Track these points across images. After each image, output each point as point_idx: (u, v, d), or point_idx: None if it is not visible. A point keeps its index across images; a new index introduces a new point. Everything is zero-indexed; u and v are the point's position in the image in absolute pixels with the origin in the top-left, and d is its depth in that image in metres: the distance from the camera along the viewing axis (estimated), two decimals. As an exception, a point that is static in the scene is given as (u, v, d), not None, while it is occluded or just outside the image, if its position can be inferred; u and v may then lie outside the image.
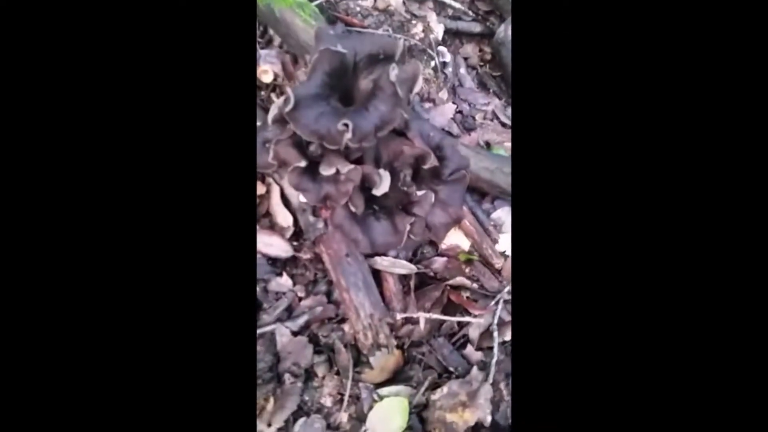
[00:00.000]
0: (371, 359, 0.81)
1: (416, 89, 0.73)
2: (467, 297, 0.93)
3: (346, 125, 0.65)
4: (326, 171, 0.75)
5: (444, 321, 0.88)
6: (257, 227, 0.88)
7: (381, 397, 0.81)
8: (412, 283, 0.90)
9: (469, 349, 0.87)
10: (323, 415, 0.81)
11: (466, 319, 0.89)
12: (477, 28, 1.26)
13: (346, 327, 0.87)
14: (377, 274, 0.90)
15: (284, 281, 0.88)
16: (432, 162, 0.78)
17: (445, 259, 0.95)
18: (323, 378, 0.83)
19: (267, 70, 0.98)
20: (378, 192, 0.78)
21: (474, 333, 0.89)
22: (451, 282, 0.91)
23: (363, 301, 0.83)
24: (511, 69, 1.18)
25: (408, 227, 0.78)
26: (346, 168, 0.74)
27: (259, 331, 0.83)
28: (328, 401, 0.82)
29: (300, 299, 0.89)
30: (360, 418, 0.81)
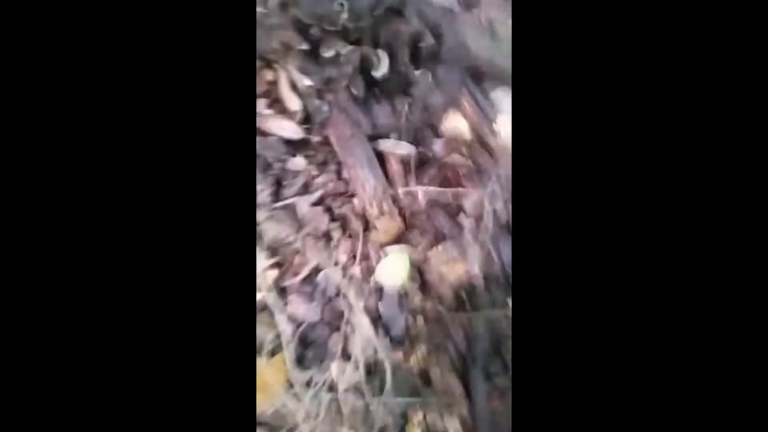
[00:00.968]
0: (377, 223, 0.96)
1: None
2: (463, 174, 1.04)
3: (342, 5, 0.69)
4: (326, 53, 0.80)
5: (440, 192, 1.01)
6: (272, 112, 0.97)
7: (387, 254, 0.98)
8: (412, 162, 1.01)
9: (462, 216, 1.01)
10: (340, 268, 0.99)
11: (460, 190, 1.01)
12: None
13: (355, 201, 1.01)
14: (381, 157, 1.01)
15: (299, 161, 1.00)
16: (428, 40, 0.82)
17: (443, 139, 1.04)
18: (338, 240, 1.00)
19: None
20: (377, 73, 0.84)
21: (467, 203, 1.02)
22: (447, 160, 1.02)
23: (368, 176, 0.95)
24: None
25: (406, 108, 0.85)
26: (345, 49, 0.80)
27: (281, 203, 0.98)
28: (343, 258, 1.00)
29: (314, 177, 1.02)
30: (370, 271, 0.99)
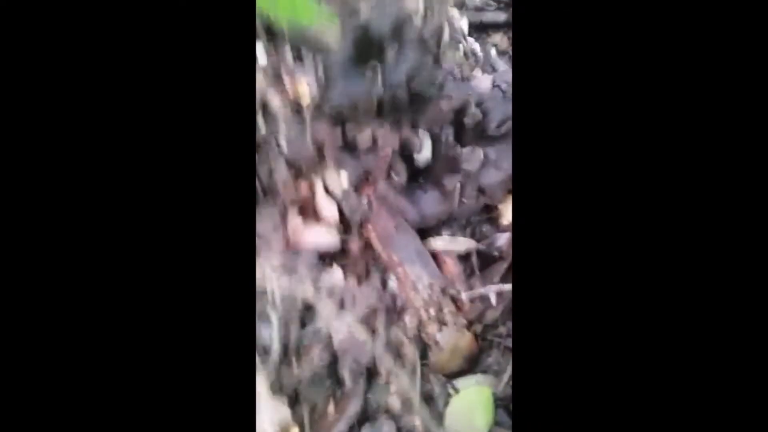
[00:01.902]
0: (438, 336, 0.70)
1: (444, 39, 0.70)
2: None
3: (375, 68, 0.62)
4: (363, 139, 0.71)
5: (518, 296, 0.76)
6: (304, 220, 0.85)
7: (457, 390, 0.69)
8: (474, 260, 0.80)
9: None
10: (391, 418, 0.70)
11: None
12: (502, 17, 1.25)
13: (407, 318, 0.78)
14: (434, 259, 0.81)
15: (335, 274, 0.82)
16: (474, 114, 0.72)
17: (508, 234, 0.85)
18: (388, 375, 0.73)
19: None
20: (420, 157, 0.73)
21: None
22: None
23: (419, 273, 0.74)
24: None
25: (458, 187, 0.71)
26: (382, 132, 0.71)
27: (313, 327, 0.76)
28: (396, 402, 0.71)
29: (354, 294, 0.82)
30: (436, 418, 0.68)
